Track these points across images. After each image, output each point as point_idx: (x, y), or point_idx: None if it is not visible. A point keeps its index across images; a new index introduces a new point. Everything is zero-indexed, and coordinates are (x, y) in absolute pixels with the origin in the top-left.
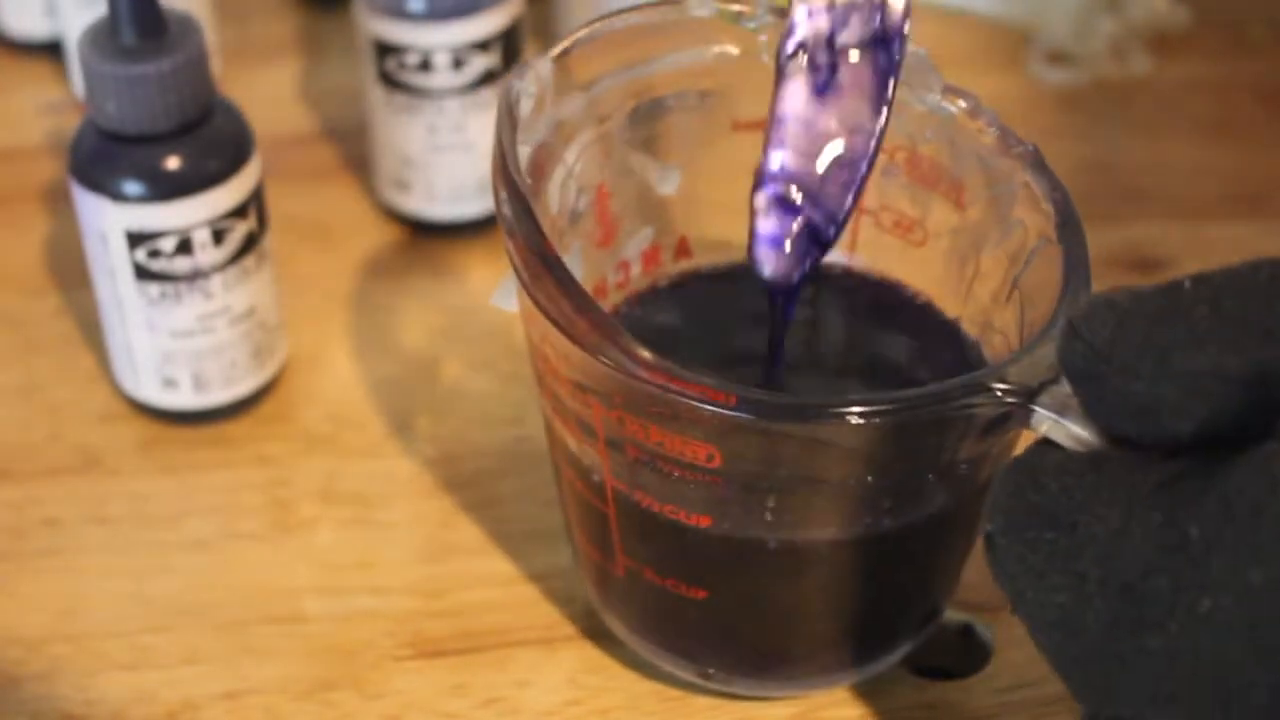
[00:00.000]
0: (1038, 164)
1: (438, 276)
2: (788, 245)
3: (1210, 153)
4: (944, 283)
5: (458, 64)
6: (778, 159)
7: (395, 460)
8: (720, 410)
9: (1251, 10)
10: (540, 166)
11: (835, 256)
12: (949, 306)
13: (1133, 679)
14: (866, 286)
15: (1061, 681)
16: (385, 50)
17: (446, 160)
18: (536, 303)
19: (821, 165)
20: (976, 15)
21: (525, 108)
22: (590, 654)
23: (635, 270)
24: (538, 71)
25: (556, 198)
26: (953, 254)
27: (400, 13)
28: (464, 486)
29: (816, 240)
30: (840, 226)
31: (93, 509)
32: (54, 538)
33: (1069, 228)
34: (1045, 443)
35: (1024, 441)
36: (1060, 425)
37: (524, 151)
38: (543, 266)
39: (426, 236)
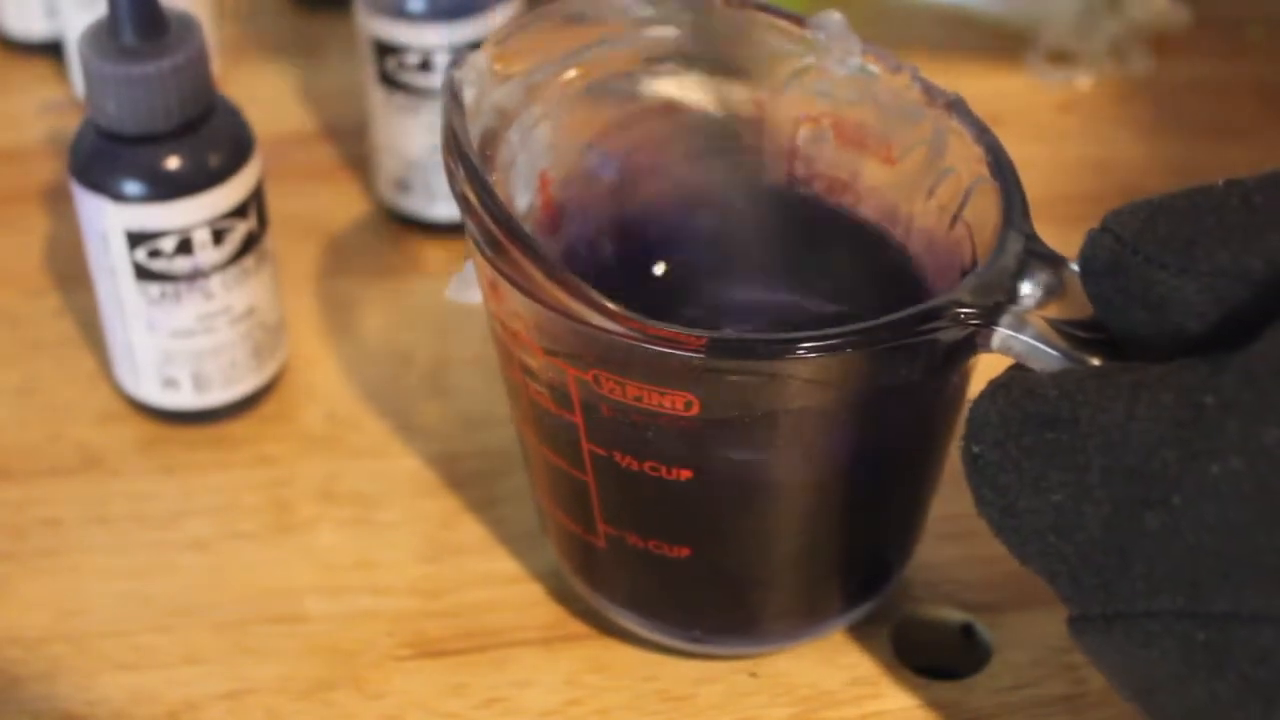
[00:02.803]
0: (963, 111)
1: (438, 277)
2: None
3: (1210, 153)
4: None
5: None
6: None
7: (395, 460)
8: (693, 355)
9: (1251, 10)
10: (487, 152)
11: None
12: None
13: (1130, 566)
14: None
15: (1050, 587)
16: (385, 50)
17: None
18: (503, 273)
19: None
20: (976, 15)
21: (469, 96)
22: (591, 653)
23: (581, 255)
24: (474, 63)
25: (506, 180)
26: (885, 208)
27: (400, 13)
28: (464, 486)
29: None
30: None
31: (93, 509)
32: (54, 538)
33: (1001, 165)
34: (1021, 366)
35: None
36: (1020, 341)
37: (472, 139)
38: (507, 236)
39: (427, 236)
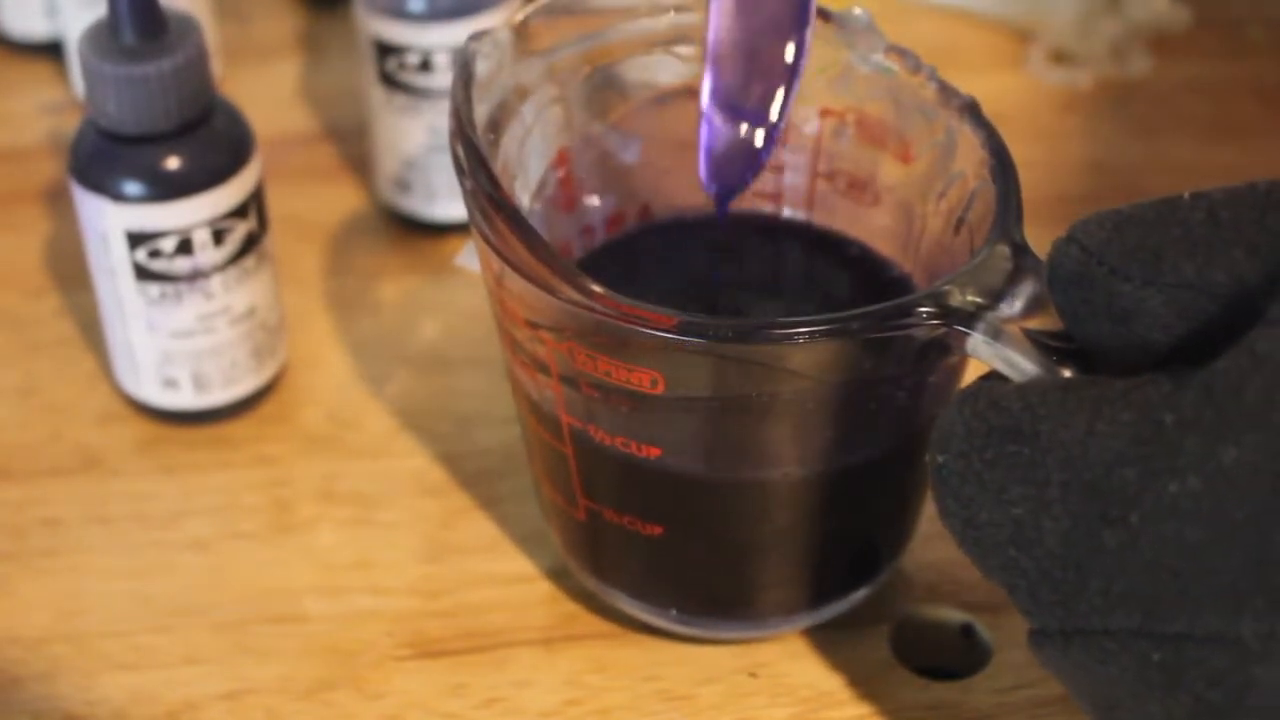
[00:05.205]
0: (975, 115)
1: (437, 277)
2: (727, 153)
3: (1210, 153)
4: (895, 239)
5: None
6: (711, 75)
7: (395, 460)
8: (659, 333)
9: (1251, 10)
10: (497, 125)
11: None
12: (901, 262)
13: (1087, 583)
14: (822, 241)
15: (1010, 600)
16: (385, 50)
17: (446, 160)
18: (489, 243)
19: (750, 78)
20: (977, 15)
21: (482, 69)
22: (591, 654)
23: (599, 236)
24: (496, 38)
25: (515, 154)
26: (902, 208)
27: (400, 13)
28: (464, 486)
29: (751, 151)
30: (771, 135)
31: (93, 509)
32: (54, 538)
33: (1003, 169)
34: (995, 375)
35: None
36: (990, 348)
37: (481, 111)
38: (494, 208)
39: (427, 236)
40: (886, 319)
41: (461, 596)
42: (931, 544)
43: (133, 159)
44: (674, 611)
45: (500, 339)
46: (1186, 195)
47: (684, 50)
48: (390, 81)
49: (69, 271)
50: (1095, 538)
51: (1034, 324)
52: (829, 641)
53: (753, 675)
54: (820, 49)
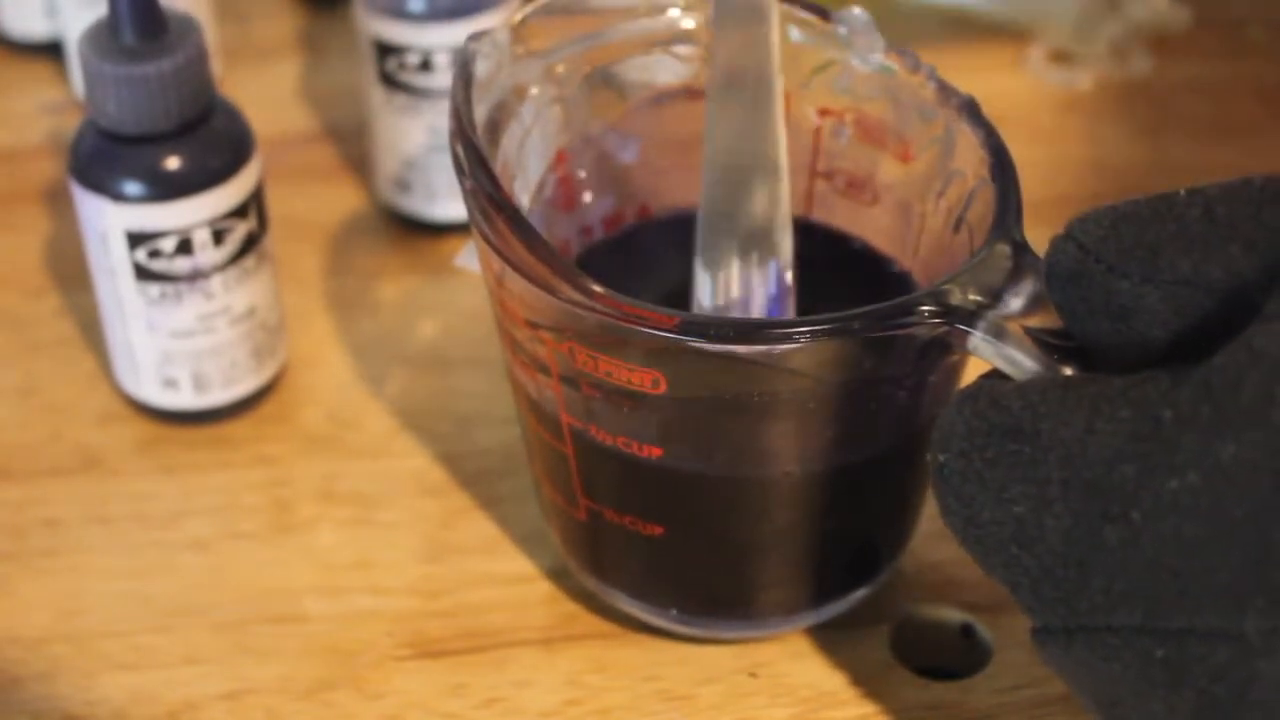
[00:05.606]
0: (974, 113)
1: (437, 277)
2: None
3: (1210, 153)
4: (894, 238)
5: None
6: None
7: (395, 460)
8: (659, 333)
9: (1251, 10)
10: (497, 125)
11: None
12: (901, 261)
13: (1090, 580)
14: (822, 240)
15: (1013, 598)
16: (385, 50)
17: (446, 160)
18: (489, 243)
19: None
20: (977, 15)
21: (481, 69)
22: (591, 654)
23: (598, 235)
24: (495, 39)
25: (514, 154)
26: (901, 207)
27: (400, 13)
28: (464, 486)
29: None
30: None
31: (93, 509)
32: (54, 538)
33: (1002, 168)
34: (996, 374)
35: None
36: (991, 346)
37: (481, 111)
38: (494, 208)
39: (426, 236)
40: (887, 318)
41: (461, 596)
42: (931, 544)
43: (133, 159)
44: (674, 611)
45: (500, 339)
46: (1182, 192)
47: (683, 50)
48: (390, 81)
49: (69, 271)
50: (1097, 535)
51: (1034, 322)
52: (829, 641)
53: (753, 675)
54: (820, 49)
